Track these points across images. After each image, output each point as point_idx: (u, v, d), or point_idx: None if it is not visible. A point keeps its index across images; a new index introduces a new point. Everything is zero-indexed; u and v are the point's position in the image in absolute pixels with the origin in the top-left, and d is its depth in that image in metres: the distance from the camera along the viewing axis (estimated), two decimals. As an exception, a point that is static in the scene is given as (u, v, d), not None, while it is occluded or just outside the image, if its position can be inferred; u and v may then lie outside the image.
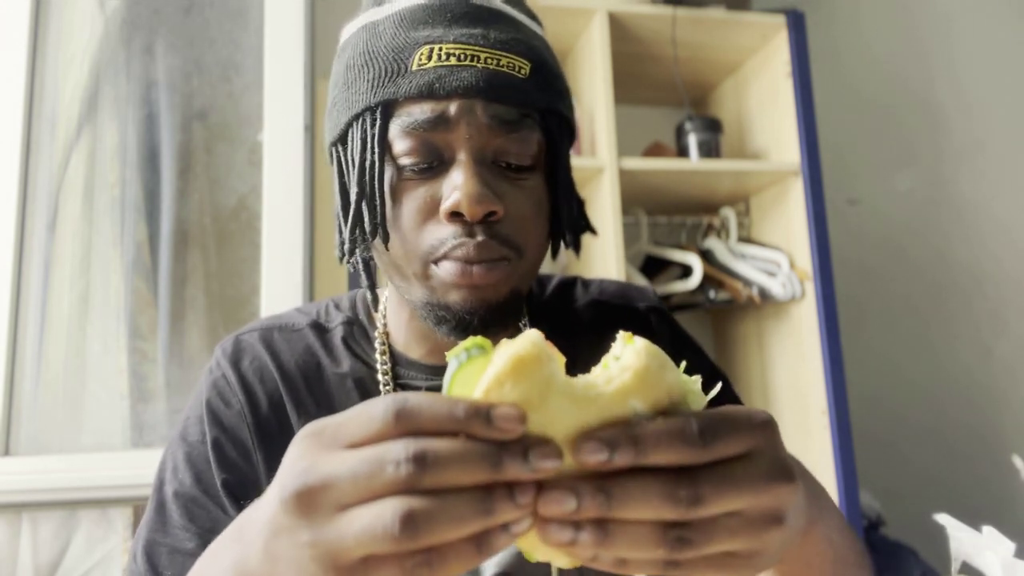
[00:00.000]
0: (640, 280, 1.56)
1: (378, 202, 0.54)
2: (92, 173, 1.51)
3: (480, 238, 0.52)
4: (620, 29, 1.52)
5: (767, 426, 0.33)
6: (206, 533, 0.57)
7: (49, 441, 1.41)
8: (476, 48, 0.53)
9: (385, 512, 0.29)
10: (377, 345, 0.64)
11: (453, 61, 0.52)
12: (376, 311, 0.66)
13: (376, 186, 0.54)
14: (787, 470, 0.33)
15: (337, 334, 0.65)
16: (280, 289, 1.45)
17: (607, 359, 0.35)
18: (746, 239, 1.71)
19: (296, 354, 0.64)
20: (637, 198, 1.64)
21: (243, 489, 0.59)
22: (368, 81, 0.54)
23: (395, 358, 0.64)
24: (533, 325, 0.67)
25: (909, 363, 1.97)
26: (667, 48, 1.59)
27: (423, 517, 0.28)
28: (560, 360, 0.34)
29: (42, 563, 1.30)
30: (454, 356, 0.34)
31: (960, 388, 1.98)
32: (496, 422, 0.29)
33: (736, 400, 0.70)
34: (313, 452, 0.32)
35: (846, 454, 1.42)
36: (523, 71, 0.54)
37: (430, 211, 0.53)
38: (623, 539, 0.30)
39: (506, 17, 0.56)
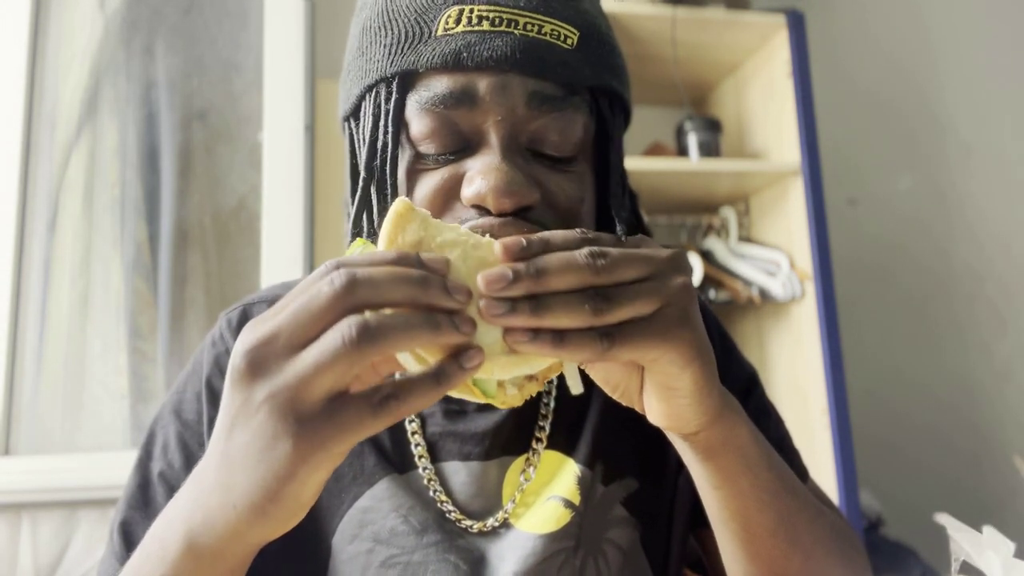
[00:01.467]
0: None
1: (389, 189, 0.46)
2: (92, 173, 1.51)
3: (504, 221, 0.43)
4: (620, 29, 1.51)
5: (679, 268, 0.38)
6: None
7: (49, 441, 1.41)
8: (514, 12, 0.44)
9: (340, 328, 0.30)
10: None
11: (486, 26, 0.43)
12: None
13: (388, 170, 0.46)
14: (687, 316, 0.37)
15: None
16: (280, 289, 1.46)
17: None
18: (746, 239, 1.71)
19: None
20: (637, 198, 1.64)
21: None
22: (385, 47, 0.46)
23: None
24: None
25: (909, 363, 1.97)
26: (667, 48, 1.59)
27: (376, 325, 0.30)
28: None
29: (42, 563, 1.30)
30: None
31: (960, 388, 1.98)
32: (426, 260, 0.33)
33: (765, 411, 0.64)
34: (250, 332, 0.33)
35: (846, 454, 1.42)
36: (570, 40, 0.45)
37: (449, 195, 0.46)
38: (553, 304, 0.33)
39: None
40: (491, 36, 0.43)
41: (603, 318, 0.33)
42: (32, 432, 1.40)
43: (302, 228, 1.48)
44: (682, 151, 1.59)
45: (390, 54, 0.45)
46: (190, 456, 0.55)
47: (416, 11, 0.45)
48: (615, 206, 0.50)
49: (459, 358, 0.32)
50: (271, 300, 0.60)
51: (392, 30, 0.46)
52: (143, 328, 1.49)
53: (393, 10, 0.46)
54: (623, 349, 0.34)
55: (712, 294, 1.56)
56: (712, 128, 1.58)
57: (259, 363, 0.31)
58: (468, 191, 0.44)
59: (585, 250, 0.34)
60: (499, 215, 0.43)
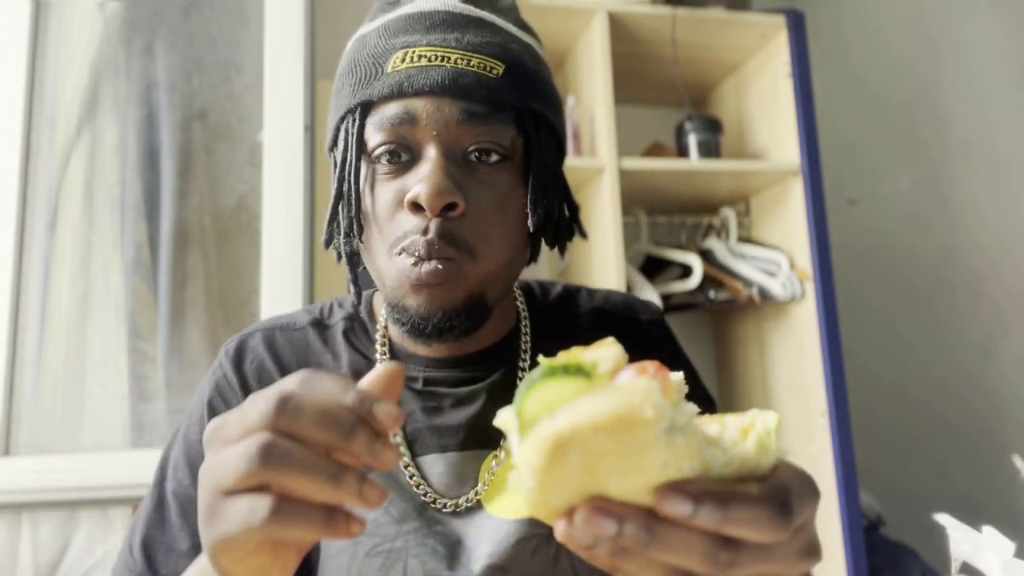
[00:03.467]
0: (641, 280, 1.56)
1: (353, 197, 0.57)
2: (92, 173, 1.51)
3: (430, 236, 0.53)
4: (620, 29, 1.52)
5: (818, 497, 0.34)
6: (199, 536, 0.58)
7: (49, 441, 1.41)
8: (447, 50, 0.55)
9: (248, 441, 0.34)
10: (377, 338, 0.65)
11: (424, 62, 0.54)
12: (359, 303, 0.68)
13: (351, 182, 0.57)
14: (817, 547, 0.34)
15: (338, 329, 0.67)
16: (280, 289, 1.46)
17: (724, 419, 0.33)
18: (746, 239, 1.71)
19: (297, 353, 0.66)
20: (637, 198, 1.64)
21: None
22: (350, 86, 0.57)
23: (394, 351, 0.65)
24: (533, 329, 0.68)
25: (909, 363, 1.97)
26: (667, 48, 1.59)
27: (280, 451, 0.33)
28: (675, 395, 0.30)
29: (42, 563, 1.30)
30: (544, 369, 0.31)
31: (960, 388, 1.98)
32: (375, 411, 0.34)
33: None
34: (203, 497, 0.36)
35: (846, 454, 1.42)
36: (495, 71, 0.55)
37: (398, 203, 0.55)
38: (641, 565, 0.30)
39: (486, 23, 0.58)
40: (428, 69, 0.54)
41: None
42: (32, 432, 1.40)
43: (302, 228, 1.48)
44: (682, 151, 1.59)
45: (353, 91, 0.57)
46: (193, 471, 0.61)
47: (373, 56, 0.57)
48: (531, 205, 0.58)
49: (349, 521, 0.34)
50: (266, 331, 0.68)
51: (356, 72, 0.57)
52: (143, 328, 1.49)
53: (357, 58, 0.58)
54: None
55: (712, 294, 1.56)
56: (712, 128, 1.58)
57: (207, 443, 0.37)
58: (409, 195, 0.53)
59: (711, 547, 0.30)
60: (431, 214, 0.52)
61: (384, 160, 0.56)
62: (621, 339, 0.69)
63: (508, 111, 0.56)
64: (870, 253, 1.99)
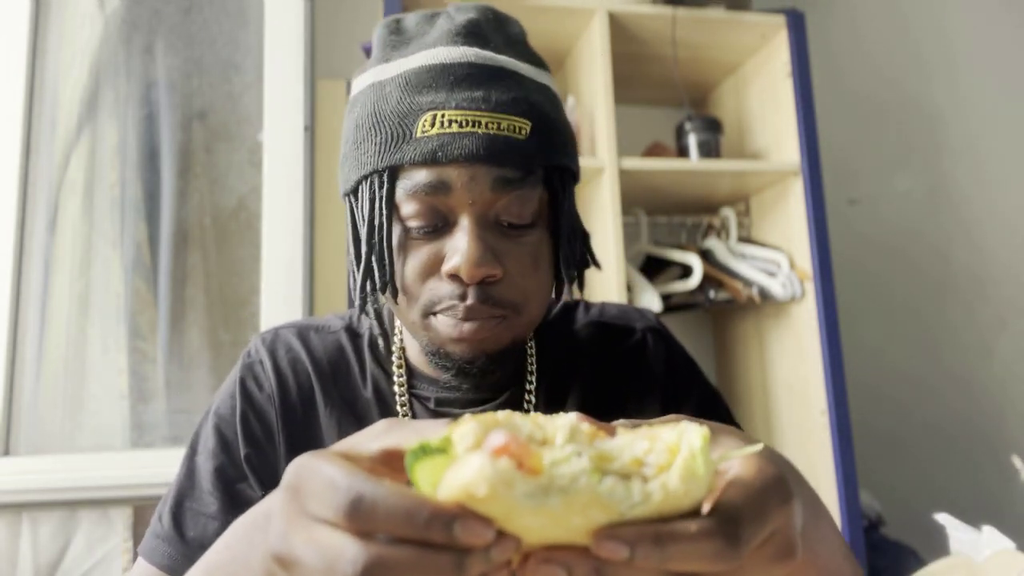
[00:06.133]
0: (641, 280, 1.56)
1: (387, 260, 0.57)
2: (92, 173, 1.51)
3: (470, 302, 0.54)
4: (620, 29, 1.51)
5: (788, 502, 0.32)
6: (228, 498, 0.62)
7: (49, 441, 1.41)
8: (477, 113, 0.54)
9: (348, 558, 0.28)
10: (394, 359, 0.67)
11: (455, 128, 0.54)
12: (391, 349, 0.69)
13: (384, 244, 0.57)
14: (791, 548, 0.33)
15: (365, 339, 0.69)
16: (280, 289, 1.46)
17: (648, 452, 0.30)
18: (746, 239, 1.71)
19: (329, 352, 0.68)
20: (637, 198, 1.64)
21: (263, 468, 0.64)
22: (376, 144, 0.56)
23: (411, 371, 0.67)
24: (538, 348, 0.70)
25: (909, 363, 1.97)
26: (667, 48, 1.59)
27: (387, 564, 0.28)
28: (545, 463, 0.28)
29: (42, 563, 1.30)
30: (410, 454, 0.30)
31: (960, 388, 1.98)
32: (460, 534, 0.27)
33: (731, 422, 0.71)
34: (289, 513, 0.32)
35: (846, 454, 1.42)
36: (524, 131, 0.55)
37: (433, 269, 0.56)
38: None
39: (507, 73, 0.58)
40: (460, 136, 0.54)
41: None
42: (32, 432, 1.40)
43: (302, 228, 1.48)
44: (682, 151, 1.59)
45: (380, 151, 0.56)
46: (225, 442, 0.64)
47: (399, 115, 0.56)
48: (564, 265, 0.60)
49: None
50: (301, 328, 0.70)
51: (381, 131, 0.56)
52: (143, 328, 1.50)
53: (380, 112, 0.57)
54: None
55: (712, 294, 1.56)
56: (712, 128, 1.58)
57: (282, 568, 0.32)
58: (447, 265, 0.54)
59: None
60: (470, 283, 0.54)
61: (417, 229, 0.56)
62: (614, 350, 0.72)
63: (538, 172, 0.57)
64: (870, 253, 1.99)
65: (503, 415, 0.31)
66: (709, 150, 1.56)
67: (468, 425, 0.30)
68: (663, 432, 0.31)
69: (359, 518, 0.28)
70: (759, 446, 0.34)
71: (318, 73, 1.58)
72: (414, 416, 0.65)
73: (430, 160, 0.54)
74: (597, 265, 0.66)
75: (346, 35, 1.64)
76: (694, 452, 0.29)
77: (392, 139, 0.55)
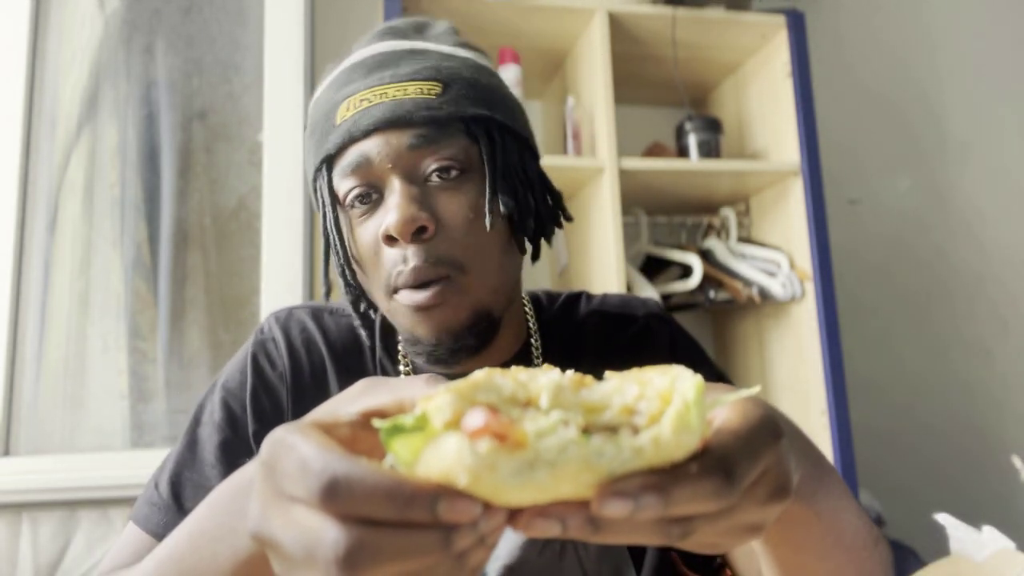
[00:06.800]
0: (641, 280, 1.56)
1: (338, 246, 0.60)
2: (92, 173, 1.51)
3: (413, 263, 0.55)
4: (620, 29, 1.52)
5: (777, 439, 0.32)
6: (230, 472, 0.59)
7: (49, 441, 1.41)
8: (384, 87, 0.57)
9: (325, 546, 0.27)
10: (400, 348, 0.68)
11: (365, 104, 0.57)
12: (398, 338, 0.68)
13: (334, 232, 0.60)
14: (785, 486, 0.32)
15: (378, 326, 0.69)
16: (280, 289, 1.46)
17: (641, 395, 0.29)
18: (746, 239, 1.71)
19: (343, 335, 0.68)
20: (637, 198, 1.64)
21: None
22: (312, 145, 0.61)
23: (414, 365, 0.67)
24: (542, 340, 0.70)
25: (909, 363, 1.97)
26: (667, 48, 1.59)
27: (368, 551, 0.26)
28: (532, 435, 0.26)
29: (42, 563, 1.30)
30: (384, 432, 0.28)
31: (960, 388, 1.98)
32: (444, 512, 0.25)
33: None
34: (265, 493, 0.30)
35: (846, 454, 1.42)
36: (434, 91, 0.57)
37: (377, 241, 0.57)
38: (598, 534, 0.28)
39: (418, 51, 0.60)
40: (370, 109, 0.57)
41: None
42: (32, 432, 1.40)
43: (302, 228, 1.48)
44: (682, 151, 1.59)
45: (315, 148, 0.60)
46: (233, 416, 0.64)
47: (325, 113, 0.60)
48: (488, 205, 0.58)
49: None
50: (315, 310, 0.71)
51: (315, 132, 0.61)
52: (143, 328, 1.50)
53: (315, 119, 0.61)
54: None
55: (712, 294, 1.56)
56: (712, 128, 1.58)
57: (262, 546, 0.31)
58: (380, 230, 0.56)
59: (661, 525, 0.29)
60: (406, 243, 0.55)
61: (356, 204, 0.58)
62: (618, 337, 0.71)
63: (455, 124, 0.57)
64: (870, 253, 1.99)
65: (482, 376, 0.29)
66: (709, 150, 1.56)
67: (444, 397, 0.27)
68: (655, 377, 0.29)
69: (336, 501, 0.26)
70: (756, 388, 0.33)
71: (318, 73, 1.58)
72: None
73: (348, 139, 0.57)
74: (568, 217, 0.66)
75: (346, 35, 1.64)
76: (687, 403, 0.27)
77: (322, 134, 0.59)
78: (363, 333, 0.69)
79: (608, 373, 0.31)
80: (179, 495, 0.61)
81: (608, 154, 1.43)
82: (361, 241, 0.59)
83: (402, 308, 0.57)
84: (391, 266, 0.56)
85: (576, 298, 0.76)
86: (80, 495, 1.33)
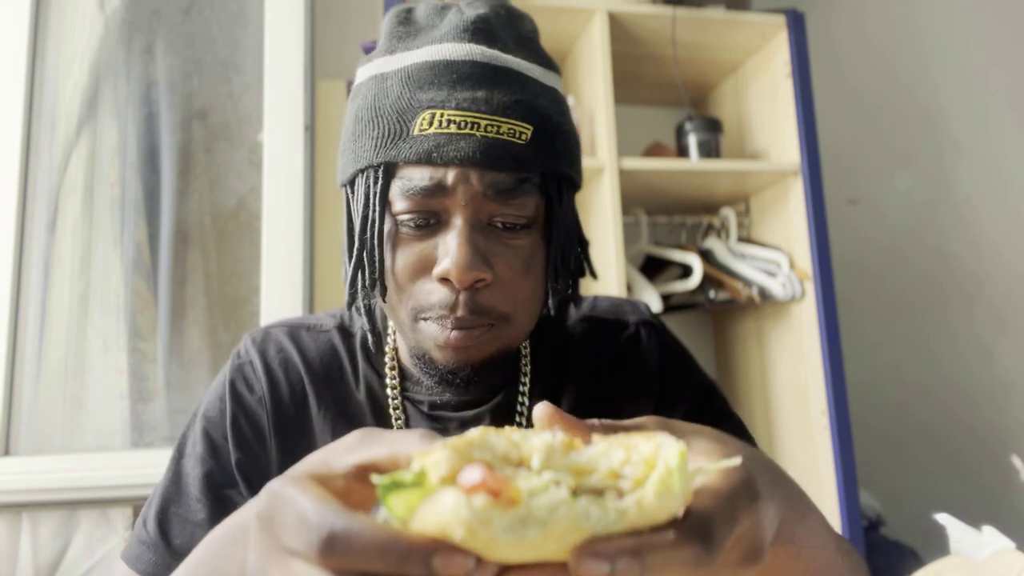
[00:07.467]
0: (641, 280, 1.56)
1: (377, 256, 0.56)
2: (92, 173, 1.51)
3: (460, 313, 0.53)
4: (620, 29, 1.52)
5: (755, 502, 0.33)
6: (216, 505, 0.60)
7: (49, 441, 1.41)
8: (476, 115, 0.53)
9: None
10: (387, 360, 0.66)
11: (453, 129, 0.53)
12: (383, 349, 0.67)
13: (376, 240, 0.56)
14: (758, 551, 0.33)
15: (357, 339, 0.68)
16: (280, 289, 1.45)
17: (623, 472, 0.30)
18: (746, 239, 1.71)
19: (322, 352, 0.67)
20: (637, 198, 1.64)
21: (255, 472, 0.62)
22: (372, 139, 0.55)
23: (403, 372, 0.66)
24: (531, 347, 0.69)
25: (909, 363, 1.97)
26: (667, 48, 1.59)
27: None
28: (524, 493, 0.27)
29: (42, 563, 1.30)
30: (381, 488, 0.29)
31: (960, 388, 1.98)
32: (439, 568, 0.26)
33: (727, 416, 0.70)
34: (264, 546, 0.31)
35: (846, 454, 1.42)
36: (523, 136, 0.54)
37: (423, 268, 0.55)
38: None
39: (513, 74, 0.56)
40: (457, 138, 0.52)
41: None
42: (32, 432, 1.40)
43: (302, 228, 1.48)
44: (682, 151, 1.59)
45: (376, 146, 0.55)
46: (214, 447, 0.63)
47: (397, 111, 0.54)
48: (551, 278, 0.59)
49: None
50: (292, 327, 0.69)
51: (378, 125, 0.55)
52: (143, 328, 1.49)
53: (379, 107, 0.55)
54: None
55: (712, 294, 1.56)
56: (712, 128, 1.58)
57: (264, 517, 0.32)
58: (437, 268, 0.54)
59: None
60: (460, 288, 0.53)
61: (410, 224, 0.55)
62: (607, 345, 0.71)
63: (534, 178, 0.55)
64: (870, 253, 1.99)
65: (477, 435, 0.30)
66: (709, 150, 1.56)
67: (441, 453, 0.29)
68: (640, 443, 0.31)
69: (335, 556, 0.27)
70: (736, 460, 0.34)
71: (318, 73, 1.58)
72: (407, 420, 0.64)
73: (425, 160, 0.53)
74: (594, 275, 0.65)
75: (346, 35, 1.64)
76: (671, 469, 0.29)
77: (389, 135, 0.54)
78: (342, 349, 0.67)
79: (595, 437, 0.32)
80: (167, 532, 0.60)
81: (608, 154, 1.43)
82: (402, 261, 0.56)
83: (429, 336, 0.55)
84: (434, 299, 0.54)
85: (566, 302, 0.75)
86: (80, 495, 1.33)
